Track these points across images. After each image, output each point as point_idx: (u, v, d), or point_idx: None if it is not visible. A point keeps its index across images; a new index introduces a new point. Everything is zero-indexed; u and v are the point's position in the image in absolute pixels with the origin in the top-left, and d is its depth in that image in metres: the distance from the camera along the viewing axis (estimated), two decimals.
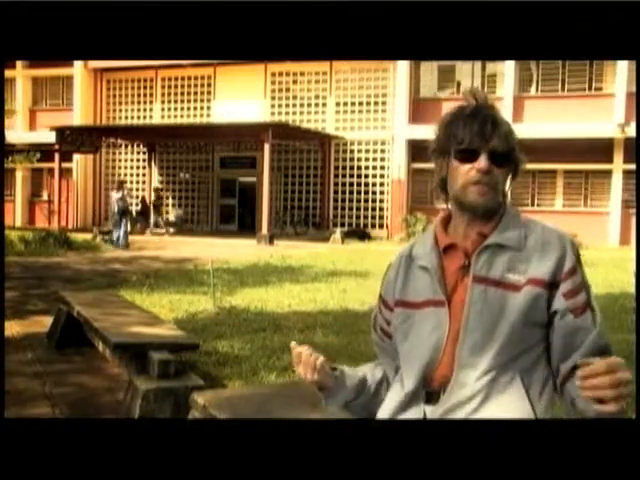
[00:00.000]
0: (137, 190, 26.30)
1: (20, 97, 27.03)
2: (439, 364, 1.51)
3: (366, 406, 1.67)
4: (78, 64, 25.78)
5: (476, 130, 1.50)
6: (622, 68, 20.17)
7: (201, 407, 2.72)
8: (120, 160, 26.94)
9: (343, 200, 23.73)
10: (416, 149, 21.28)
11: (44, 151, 23.66)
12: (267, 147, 19.95)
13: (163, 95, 26.01)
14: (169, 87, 25.88)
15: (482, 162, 1.50)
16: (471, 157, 1.51)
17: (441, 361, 1.51)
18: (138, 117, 26.47)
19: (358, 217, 23.47)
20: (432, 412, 1.48)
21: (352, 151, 23.44)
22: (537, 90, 21.94)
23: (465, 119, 1.52)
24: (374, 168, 23.01)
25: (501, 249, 1.53)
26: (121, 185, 19.21)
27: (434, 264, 1.56)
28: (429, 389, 1.51)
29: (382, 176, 22.82)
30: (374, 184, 22.91)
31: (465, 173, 1.52)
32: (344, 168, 23.60)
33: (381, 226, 22.58)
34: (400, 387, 1.58)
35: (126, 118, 26.64)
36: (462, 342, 1.48)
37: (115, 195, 18.59)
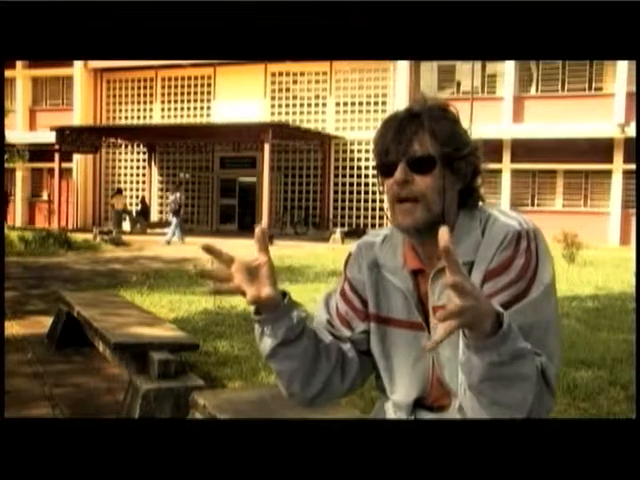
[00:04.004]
0: (137, 190, 26.33)
1: (20, 97, 27.06)
2: (430, 392, 1.44)
3: (297, 357, 1.39)
4: (78, 64, 25.81)
5: (390, 139, 1.35)
6: (622, 68, 20.19)
7: (201, 407, 2.72)
8: (120, 160, 26.97)
9: (343, 200, 23.74)
10: None
11: (44, 151, 23.71)
12: (267, 147, 19.97)
13: (163, 95, 26.03)
14: (169, 87, 25.91)
15: (397, 173, 1.34)
16: (390, 170, 1.36)
17: (432, 388, 1.44)
18: (138, 117, 26.50)
19: (358, 217, 23.49)
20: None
21: (352, 151, 23.46)
22: (537, 90, 21.95)
23: (382, 130, 1.39)
24: (374, 168, 22.97)
25: None
26: (178, 187, 21.00)
27: (409, 286, 1.43)
28: (426, 410, 1.46)
29: None
30: (374, 184, 22.88)
31: (389, 190, 1.37)
32: (344, 168, 23.62)
33: (381, 226, 22.58)
34: (392, 411, 1.53)
35: (126, 118, 26.66)
36: (446, 371, 1.40)
37: (171, 197, 19.99)
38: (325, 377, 1.45)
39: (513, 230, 1.33)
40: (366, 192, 23.16)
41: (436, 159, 1.34)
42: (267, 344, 1.37)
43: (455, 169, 1.36)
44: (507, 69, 21.61)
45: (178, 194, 20.03)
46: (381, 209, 22.73)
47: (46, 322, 6.24)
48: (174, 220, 19.27)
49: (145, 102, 26.43)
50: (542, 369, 1.24)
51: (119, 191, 24.20)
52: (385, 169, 1.39)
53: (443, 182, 1.35)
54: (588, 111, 20.62)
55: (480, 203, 1.43)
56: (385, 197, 1.42)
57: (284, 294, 1.35)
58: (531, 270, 1.31)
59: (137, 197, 25.77)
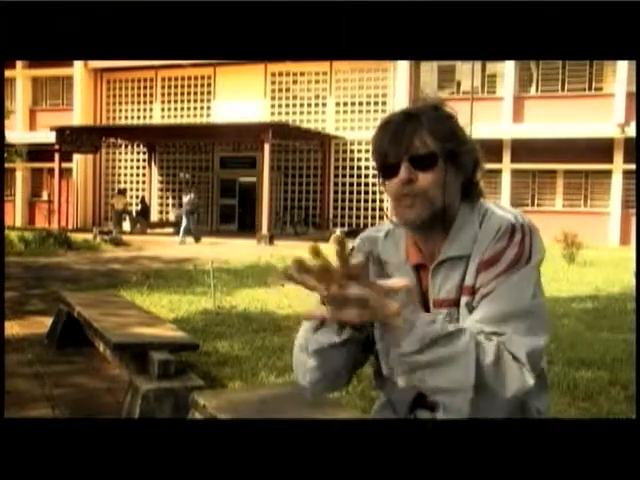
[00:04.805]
0: (137, 190, 26.32)
1: (20, 97, 27.04)
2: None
3: (341, 356, 1.39)
4: (78, 64, 25.79)
5: (390, 141, 1.37)
6: (622, 68, 20.19)
7: (201, 407, 2.72)
8: (120, 160, 26.95)
9: (343, 200, 23.73)
10: None
11: (44, 151, 23.70)
12: (267, 147, 19.96)
13: (163, 95, 26.02)
14: (169, 87, 25.89)
15: (402, 172, 1.35)
16: (393, 171, 1.38)
17: None
18: (138, 117, 26.48)
19: (358, 217, 23.48)
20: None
21: (352, 151, 23.45)
22: (537, 90, 21.94)
23: (380, 133, 1.40)
24: (374, 168, 22.93)
25: (455, 261, 1.38)
26: (192, 187, 21.92)
27: (412, 281, 1.42)
28: (425, 409, 1.47)
29: None
30: (374, 184, 22.88)
31: (392, 189, 1.38)
32: (344, 168, 23.61)
33: None
34: (392, 410, 1.55)
35: (126, 118, 26.65)
36: None
37: (185, 197, 20.45)
38: (341, 376, 1.46)
39: (507, 223, 1.35)
40: (366, 192, 23.14)
41: (438, 155, 1.36)
42: (325, 339, 1.35)
43: (458, 163, 1.38)
44: (507, 69, 21.60)
45: (192, 195, 20.22)
46: (381, 209, 22.73)
47: (46, 322, 6.24)
48: (187, 219, 19.60)
49: (145, 102, 26.41)
50: (505, 347, 1.25)
51: (120, 191, 24.19)
52: (387, 171, 1.40)
53: (445, 176, 1.36)
54: (588, 111, 20.62)
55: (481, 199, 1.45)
56: (386, 195, 1.43)
57: None
58: (523, 262, 1.32)
59: (137, 197, 25.76)
